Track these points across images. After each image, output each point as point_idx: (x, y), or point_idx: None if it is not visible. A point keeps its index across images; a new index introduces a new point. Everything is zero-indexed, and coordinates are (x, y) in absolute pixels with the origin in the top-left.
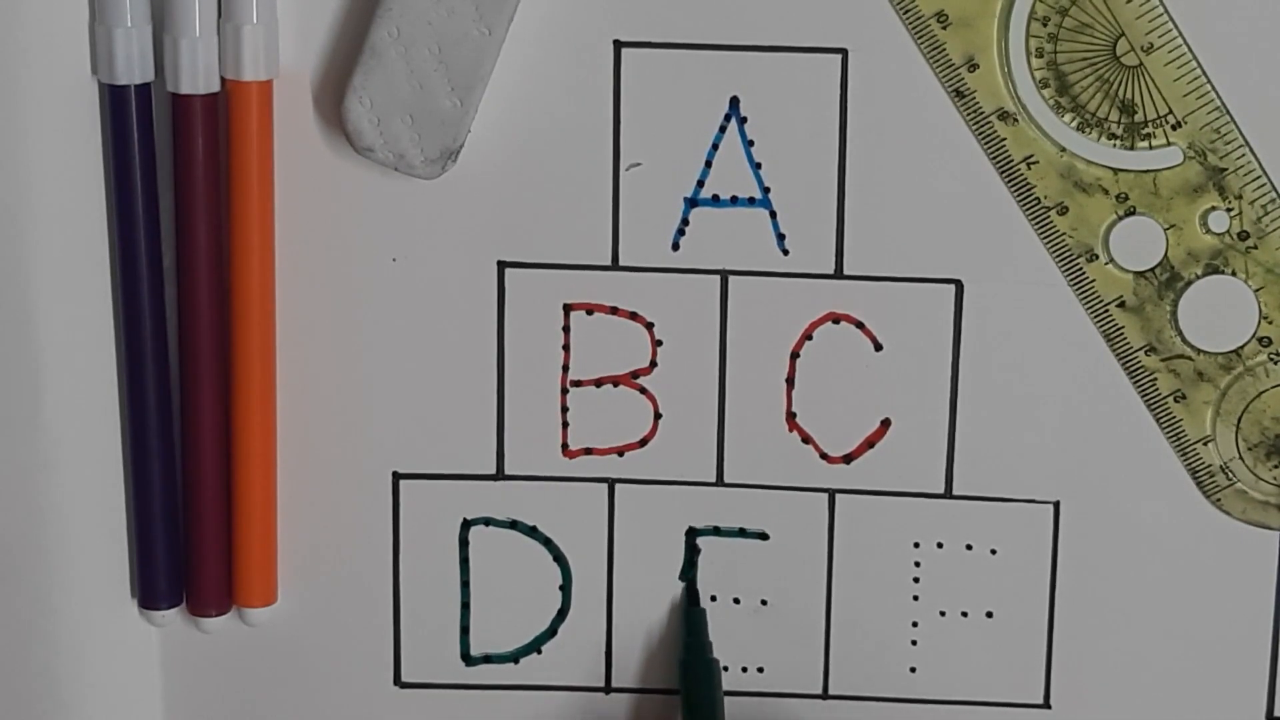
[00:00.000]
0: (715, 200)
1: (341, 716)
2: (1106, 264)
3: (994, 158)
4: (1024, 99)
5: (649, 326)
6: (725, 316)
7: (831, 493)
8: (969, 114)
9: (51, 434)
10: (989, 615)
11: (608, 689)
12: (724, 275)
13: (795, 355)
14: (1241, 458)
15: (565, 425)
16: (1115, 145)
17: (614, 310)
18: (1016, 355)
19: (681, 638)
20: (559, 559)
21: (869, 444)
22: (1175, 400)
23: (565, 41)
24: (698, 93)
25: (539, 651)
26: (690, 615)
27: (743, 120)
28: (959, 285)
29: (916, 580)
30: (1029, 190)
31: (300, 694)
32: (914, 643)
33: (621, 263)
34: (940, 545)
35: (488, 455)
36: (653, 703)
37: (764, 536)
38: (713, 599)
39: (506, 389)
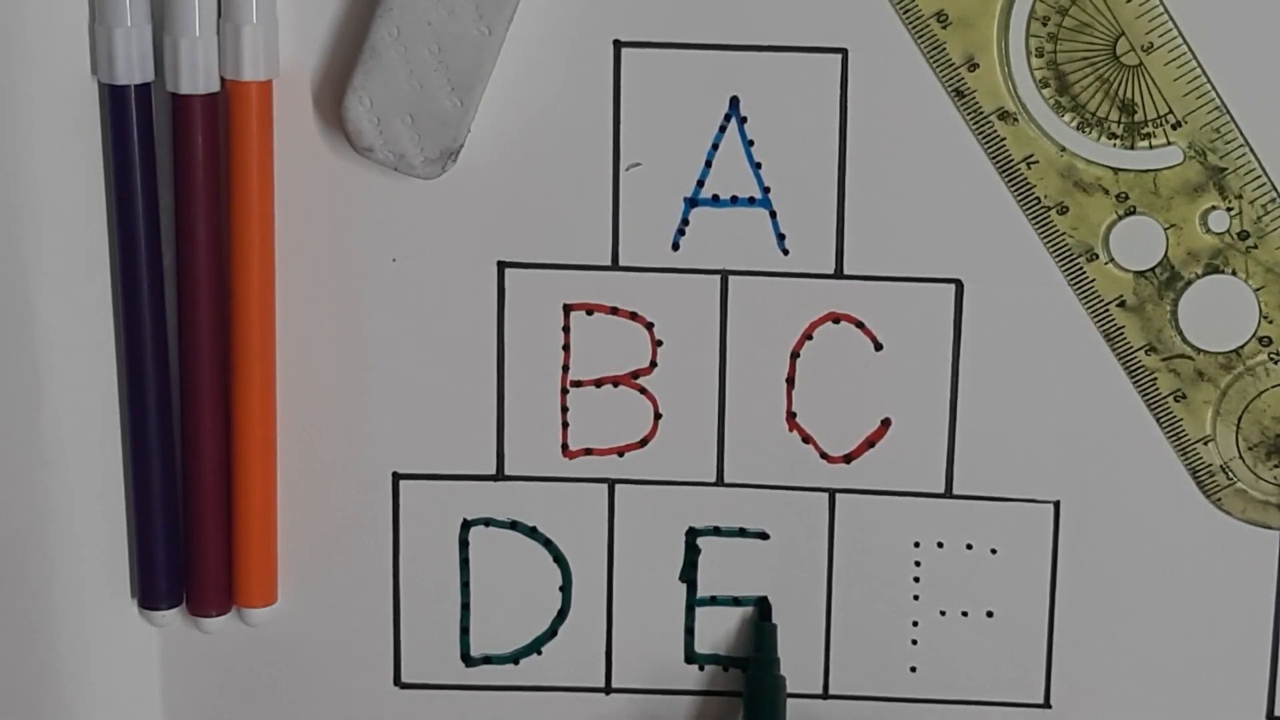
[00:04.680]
0: (715, 200)
1: (341, 717)
2: (1106, 264)
3: (994, 158)
4: (1024, 99)
5: (649, 326)
6: (725, 316)
7: (832, 492)
8: (969, 114)
9: (51, 434)
10: (989, 615)
11: (608, 690)
12: (724, 275)
13: (795, 355)
14: (1241, 457)
15: (565, 425)
16: (1115, 145)
17: (614, 310)
18: (1016, 355)
19: (750, 651)
20: (559, 559)
21: (869, 444)
22: (1175, 400)
23: (565, 41)
24: (698, 93)
25: (539, 652)
26: (760, 630)
27: (743, 120)
28: (959, 285)
29: (916, 580)
30: (1029, 190)
31: (300, 694)
32: (914, 642)
33: (621, 263)
34: (940, 545)
35: (488, 455)
36: (653, 703)
37: (764, 536)
38: (713, 599)
39: (506, 389)
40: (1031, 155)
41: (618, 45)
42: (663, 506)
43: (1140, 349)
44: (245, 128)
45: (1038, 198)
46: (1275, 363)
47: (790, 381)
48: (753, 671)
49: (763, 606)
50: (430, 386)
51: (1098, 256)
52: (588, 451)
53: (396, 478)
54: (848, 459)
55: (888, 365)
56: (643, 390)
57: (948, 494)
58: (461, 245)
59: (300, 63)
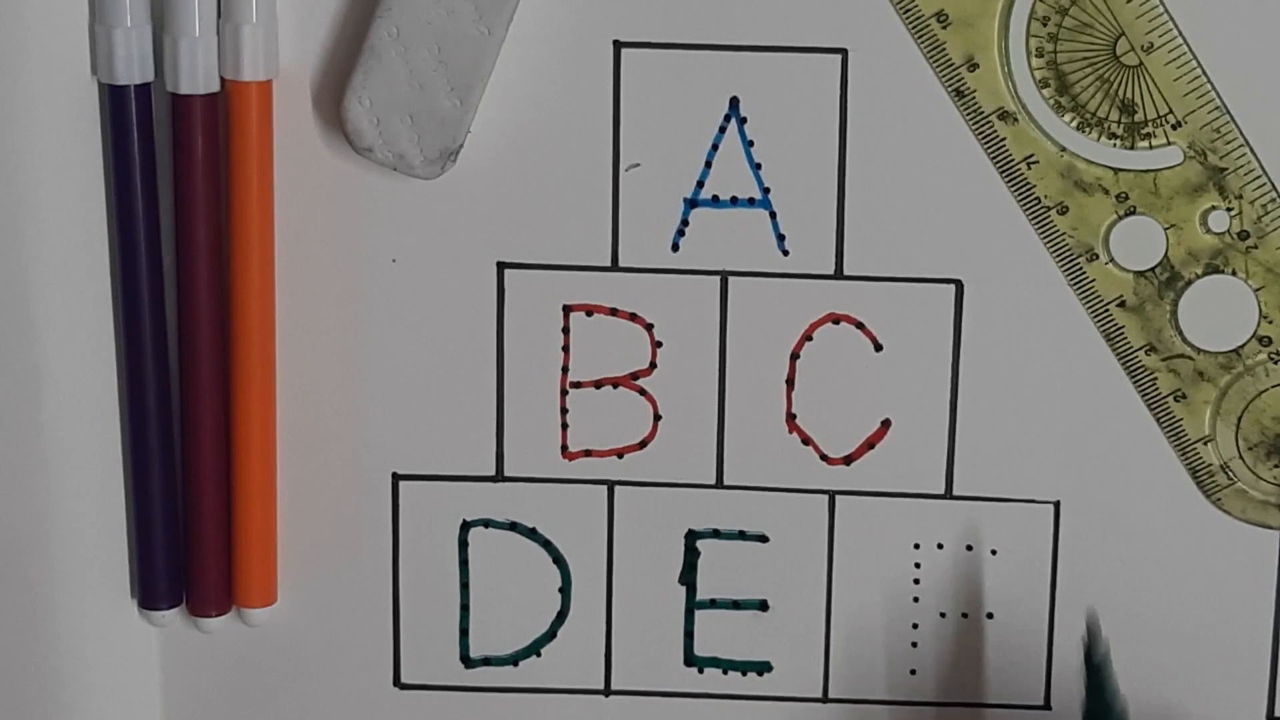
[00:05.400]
0: (715, 201)
1: (341, 717)
2: (1106, 264)
3: (994, 158)
4: (1024, 99)
5: (649, 327)
6: (725, 317)
7: (831, 494)
8: (969, 114)
9: (51, 434)
10: (989, 616)
11: (607, 692)
12: (724, 276)
13: (795, 356)
14: (1241, 457)
15: (565, 427)
16: (1115, 145)
17: (614, 311)
18: (1016, 355)
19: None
20: (558, 561)
21: (869, 445)
22: (1175, 400)
23: (565, 41)
24: (698, 93)
25: (538, 654)
26: (1092, 670)
27: (743, 120)
28: (959, 285)
29: (916, 582)
30: (1029, 190)
31: (300, 694)
32: (914, 644)
33: (621, 263)
34: (940, 546)
35: (487, 456)
36: (652, 706)
37: (764, 539)
38: (712, 602)
39: (506, 390)
40: (1031, 155)
41: (618, 45)
42: (662, 508)
43: (1140, 349)
44: (245, 128)
45: (1038, 198)
46: (1275, 363)
47: (790, 383)
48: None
49: (1091, 630)
50: (430, 387)
51: (1098, 256)
52: (587, 453)
53: (396, 478)
54: (847, 460)
55: (888, 366)
56: (642, 391)
57: (948, 495)
58: (461, 245)
59: (300, 63)
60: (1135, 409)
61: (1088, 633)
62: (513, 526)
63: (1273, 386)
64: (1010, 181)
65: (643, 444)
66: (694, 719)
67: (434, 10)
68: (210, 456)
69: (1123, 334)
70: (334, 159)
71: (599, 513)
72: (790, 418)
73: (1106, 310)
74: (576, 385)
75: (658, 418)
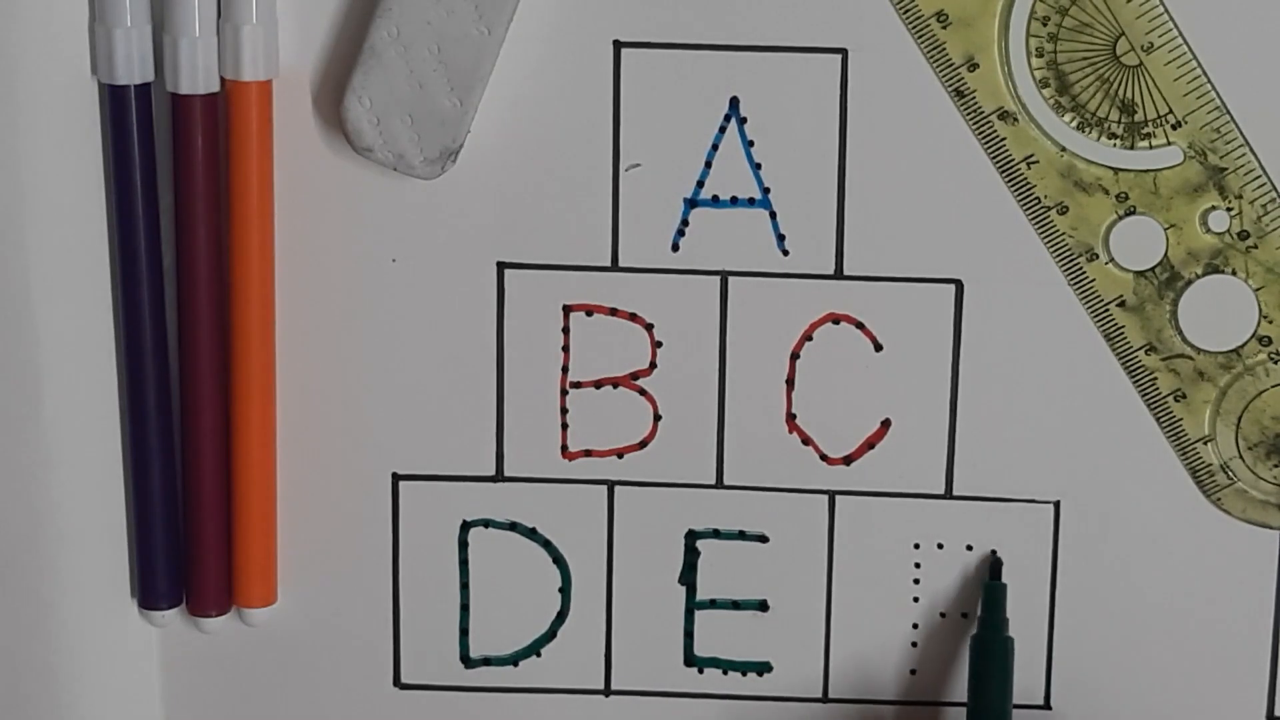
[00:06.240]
0: (715, 201)
1: (341, 717)
2: (1106, 263)
3: (994, 158)
4: (1024, 99)
5: (649, 327)
6: (725, 317)
7: (831, 494)
8: (969, 114)
9: (51, 434)
10: None
11: (607, 692)
12: (724, 276)
13: (795, 356)
14: (1241, 457)
15: (565, 427)
16: (1115, 145)
17: (614, 311)
18: (1016, 355)
19: (979, 612)
20: (558, 561)
21: (869, 445)
22: (1175, 400)
23: (565, 41)
24: (698, 93)
25: (538, 654)
26: (990, 590)
27: (743, 120)
28: (959, 285)
29: (916, 582)
30: (1029, 190)
31: (300, 694)
32: (914, 644)
33: (621, 263)
34: (940, 545)
35: (487, 457)
36: (652, 706)
37: (764, 539)
38: (712, 602)
39: (506, 390)
40: (1031, 155)
41: (618, 45)
42: (662, 508)
43: (1140, 349)
44: (245, 128)
45: (1038, 198)
46: (1275, 363)
47: (790, 383)
48: (980, 632)
49: (994, 566)
50: (430, 387)
51: (1098, 256)
52: (587, 453)
53: (396, 478)
54: (847, 460)
55: (888, 366)
56: (642, 391)
57: (948, 495)
58: (461, 245)
59: (300, 63)
60: (1135, 409)
61: (991, 565)
62: (513, 526)
63: (1273, 386)
64: (1010, 181)
65: (643, 444)
66: (694, 719)
67: (434, 10)
68: (210, 456)
69: (1123, 334)
70: (334, 159)
71: (599, 513)
72: (790, 418)
73: (1106, 310)
74: (576, 385)
75: (658, 418)
